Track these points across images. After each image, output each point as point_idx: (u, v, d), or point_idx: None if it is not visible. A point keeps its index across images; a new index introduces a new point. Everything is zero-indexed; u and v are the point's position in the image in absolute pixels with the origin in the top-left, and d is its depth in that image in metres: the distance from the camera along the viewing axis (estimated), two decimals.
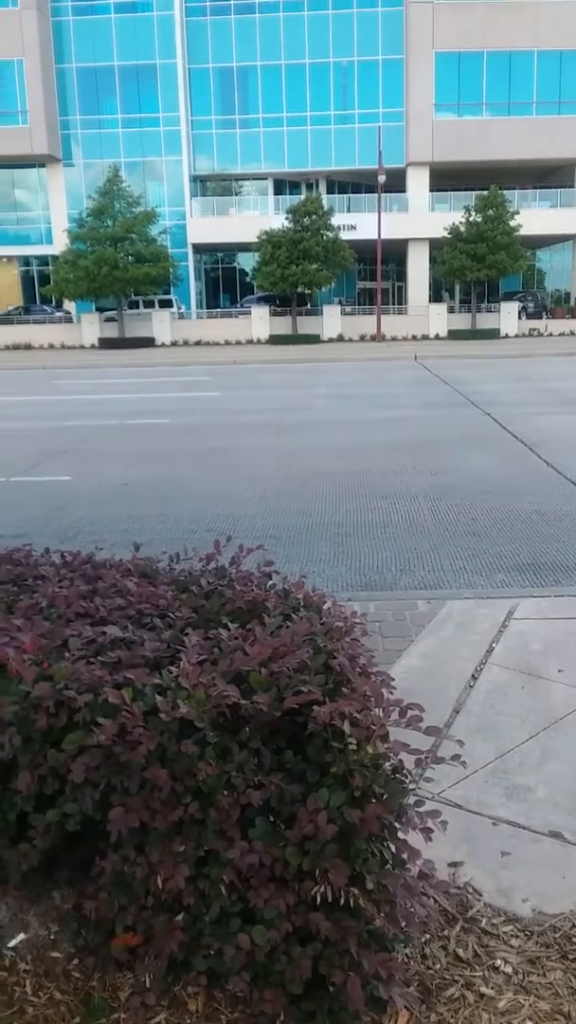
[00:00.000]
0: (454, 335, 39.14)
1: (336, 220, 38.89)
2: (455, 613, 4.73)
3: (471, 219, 37.93)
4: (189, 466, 10.04)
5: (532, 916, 2.37)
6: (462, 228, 38.10)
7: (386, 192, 39.88)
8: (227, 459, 10.42)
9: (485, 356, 28.76)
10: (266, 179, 47.50)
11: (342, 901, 1.78)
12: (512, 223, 37.25)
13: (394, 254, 46.60)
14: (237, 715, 1.90)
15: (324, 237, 37.58)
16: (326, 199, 41.23)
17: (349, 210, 43.98)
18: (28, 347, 40.66)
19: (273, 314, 40.79)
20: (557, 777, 3.05)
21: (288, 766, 1.91)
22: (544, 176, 47.05)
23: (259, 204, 47.17)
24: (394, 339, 39.49)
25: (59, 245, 41.39)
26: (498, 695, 3.71)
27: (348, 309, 43.89)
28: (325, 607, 2.39)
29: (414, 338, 39.68)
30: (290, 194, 46.33)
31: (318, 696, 1.86)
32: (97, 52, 44.68)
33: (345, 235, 39.19)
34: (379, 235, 38.23)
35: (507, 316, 40.21)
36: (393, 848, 1.89)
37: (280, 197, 46.29)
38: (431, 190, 45.05)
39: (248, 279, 44.14)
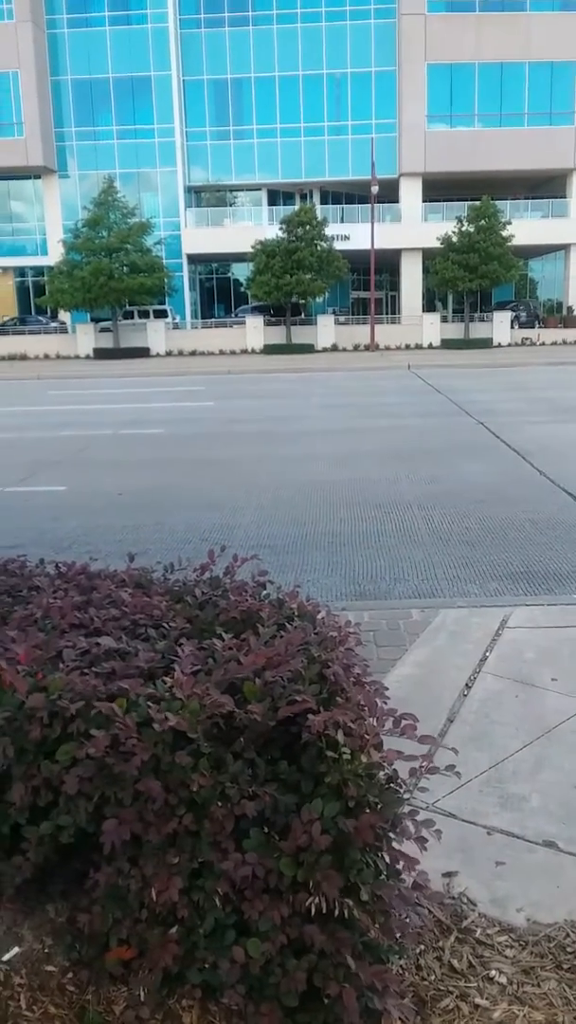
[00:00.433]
0: (447, 344, 39.29)
1: (330, 230, 39.13)
2: (449, 622, 4.73)
3: (463, 229, 38.12)
4: (184, 476, 10.04)
5: (526, 926, 2.37)
6: (454, 238, 38.28)
7: (379, 203, 40.13)
8: (222, 469, 10.42)
9: (478, 365, 28.87)
10: (260, 190, 47.76)
11: (336, 912, 1.78)
12: (504, 233, 37.45)
13: (387, 264, 46.87)
14: (231, 725, 1.90)
15: (318, 247, 37.79)
16: (320, 209, 41.52)
17: (343, 220, 44.26)
18: (24, 357, 40.70)
19: (267, 324, 40.93)
20: (551, 786, 3.05)
21: (282, 776, 1.91)
22: (536, 186, 47.38)
23: (253, 215, 47.41)
24: (388, 348, 39.65)
25: (54, 256, 41.51)
26: (492, 704, 3.71)
27: (342, 319, 44.09)
28: (319, 617, 2.39)
29: (407, 347, 39.84)
30: (284, 205, 46.62)
31: (312, 705, 1.86)
32: (92, 64, 44.97)
33: (339, 245, 39.42)
34: (372, 245, 38.44)
35: (500, 326, 40.40)
36: (387, 858, 1.89)
37: (274, 208, 46.57)
38: (424, 200, 45.37)
39: (242, 289, 44.31)
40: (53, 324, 45.10)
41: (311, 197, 47.06)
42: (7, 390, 25.21)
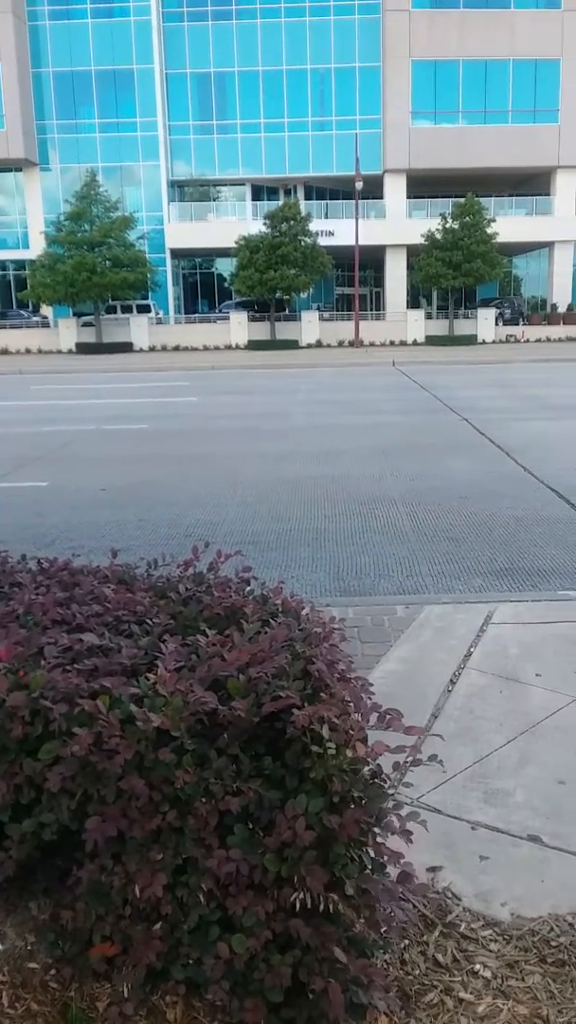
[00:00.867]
0: (432, 341, 39.39)
1: (314, 226, 39.05)
2: (433, 618, 4.74)
3: (448, 226, 38.17)
4: (167, 471, 10.00)
5: (511, 920, 2.38)
6: (438, 235, 38.33)
7: (364, 199, 40.16)
8: (206, 464, 10.40)
9: (463, 362, 28.97)
10: (244, 185, 47.61)
11: (321, 907, 1.78)
12: (489, 230, 37.54)
13: (372, 260, 46.90)
14: (215, 721, 1.90)
15: (302, 243, 37.70)
16: (304, 205, 41.42)
17: (327, 216, 44.21)
18: (5, 352, 40.40)
19: (251, 319, 40.85)
20: (535, 781, 3.06)
21: (266, 772, 1.90)
22: (520, 184, 47.55)
23: (237, 209, 47.30)
24: (372, 345, 39.68)
25: (36, 250, 41.21)
26: (476, 699, 3.72)
27: (326, 315, 44.08)
28: (303, 613, 2.38)
29: (392, 344, 39.89)
30: (268, 200, 46.46)
31: (296, 701, 1.86)
32: (74, 56, 44.62)
33: (323, 241, 39.36)
34: (356, 241, 38.44)
35: (484, 322, 40.54)
36: (372, 853, 1.89)
37: (258, 203, 46.43)
38: (408, 197, 45.40)
39: (226, 284, 44.18)
40: (35, 318, 44.78)
41: (295, 192, 46.97)
42: None
